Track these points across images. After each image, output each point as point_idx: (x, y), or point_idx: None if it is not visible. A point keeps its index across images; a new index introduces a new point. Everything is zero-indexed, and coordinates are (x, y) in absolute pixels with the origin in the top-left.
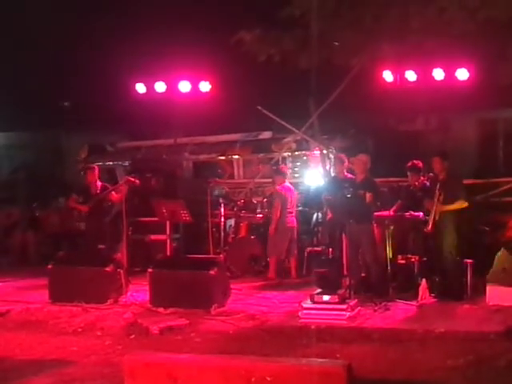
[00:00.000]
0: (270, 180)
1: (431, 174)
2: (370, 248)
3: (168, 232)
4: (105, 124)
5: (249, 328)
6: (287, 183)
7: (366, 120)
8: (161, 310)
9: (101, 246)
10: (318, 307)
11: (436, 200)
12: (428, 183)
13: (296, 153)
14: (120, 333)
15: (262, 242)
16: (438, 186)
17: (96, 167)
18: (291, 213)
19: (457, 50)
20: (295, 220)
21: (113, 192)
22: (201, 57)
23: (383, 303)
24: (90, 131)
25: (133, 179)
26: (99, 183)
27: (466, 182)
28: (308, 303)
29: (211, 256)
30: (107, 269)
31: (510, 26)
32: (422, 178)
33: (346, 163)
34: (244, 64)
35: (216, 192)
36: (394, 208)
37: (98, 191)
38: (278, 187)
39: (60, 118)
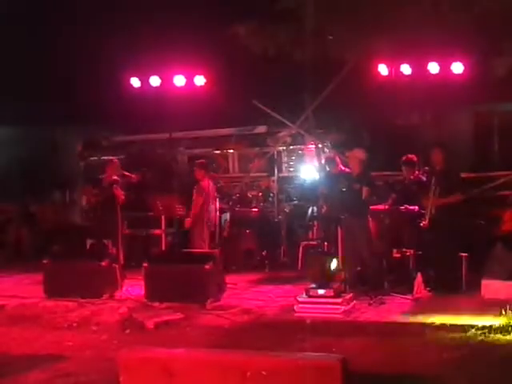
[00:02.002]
0: (266, 174)
1: (426, 168)
2: (365, 242)
3: (163, 226)
4: (100, 118)
5: (244, 322)
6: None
7: (361, 114)
8: (156, 304)
9: (105, 241)
10: (313, 301)
11: (432, 194)
12: (423, 177)
13: (291, 147)
14: (115, 327)
15: (257, 236)
16: (433, 180)
17: (116, 160)
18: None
19: (452, 43)
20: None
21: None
22: (196, 51)
23: (378, 297)
24: (85, 126)
25: (128, 174)
26: (114, 177)
27: (461, 175)
28: (303, 297)
29: (206, 250)
30: (102, 264)
31: (505, 20)
32: (416, 172)
33: (338, 160)
34: (239, 58)
35: None
36: (389, 202)
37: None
38: (202, 182)
39: (55, 113)
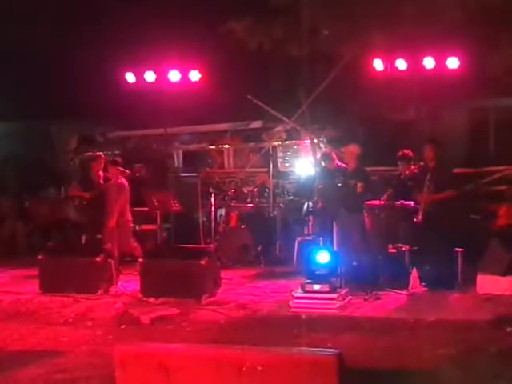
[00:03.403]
0: (262, 170)
1: (422, 164)
2: (360, 237)
3: (158, 222)
4: (95, 114)
5: (240, 317)
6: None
7: (357, 109)
8: (151, 299)
9: (99, 236)
10: (308, 296)
11: (426, 190)
12: (418, 172)
13: (287, 142)
14: (111, 323)
15: (252, 231)
16: (428, 175)
17: (102, 156)
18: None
19: (447, 38)
20: None
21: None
22: (191, 46)
23: (374, 292)
24: (80, 121)
25: (123, 169)
26: (101, 173)
27: (456, 170)
28: (299, 292)
29: (202, 246)
30: (97, 259)
31: (501, 15)
32: (412, 167)
33: (334, 155)
34: (234, 53)
35: None
36: (385, 197)
37: (101, 181)
38: (120, 180)
39: (50, 108)
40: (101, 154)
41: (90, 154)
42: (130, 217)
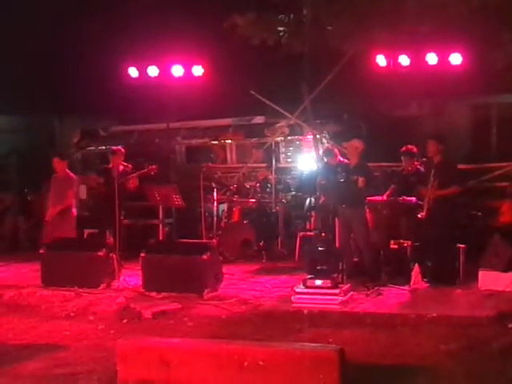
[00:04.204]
0: (264, 165)
1: (425, 159)
2: (362, 233)
3: (161, 216)
4: (97, 108)
5: (241, 312)
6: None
7: (360, 105)
8: (153, 294)
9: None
10: (310, 292)
11: (430, 185)
12: (422, 168)
13: (289, 137)
14: (112, 317)
15: (254, 226)
16: (432, 171)
17: (122, 150)
18: None
19: (450, 34)
20: None
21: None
22: (194, 41)
23: (376, 288)
24: (83, 115)
25: (125, 164)
26: (122, 167)
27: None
28: (300, 288)
29: (204, 241)
30: (100, 253)
31: (504, 11)
32: (415, 162)
33: (336, 151)
34: (237, 48)
35: None
36: (388, 193)
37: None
38: (69, 174)
39: (53, 103)
40: (120, 147)
41: (92, 148)
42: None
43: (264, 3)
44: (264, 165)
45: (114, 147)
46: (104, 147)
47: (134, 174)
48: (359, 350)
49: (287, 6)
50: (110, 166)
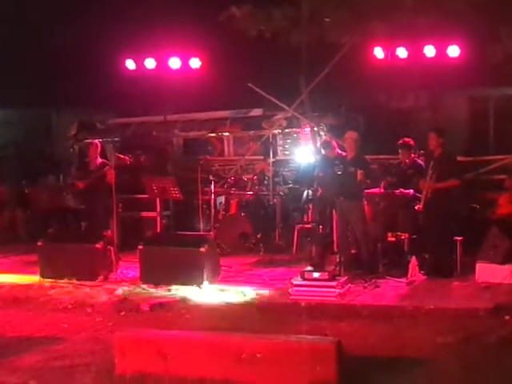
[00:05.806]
0: (261, 157)
1: (422, 152)
2: (359, 225)
3: (158, 209)
4: (94, 101)
5: (239, 305)
6: None
7: (357, 97)
8: (151, 286)
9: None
10: (308, 284)
11: (428, 178)
12: (419, 160)
13: (286, 130)
14: (110, 309)
15: (252, 219)
16: (431, 164)
17: (98, 143)
18: None
19: (448, 27)
20: None
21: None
22: (191, 33)
23: (373, 280)
24: (80, 108)
25: (123, 156)
26: (99, 160)
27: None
28: (298, 280)
29: (201, 233)
30: (97, 246)
31: (502, 4)
32: (412, 155)
33: (334, 143)
34: (235, 40)
35: None
36: (382, 185)
37: (97, 168)
38: None
39: (50, 95)
40: (97, 141)
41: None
42: None
43: None
44: (261, 157)
45: (89, 140)
46: (101, 140)
47: (108, 167)
48: (356, 342)
49: None
50: (87, 159)
